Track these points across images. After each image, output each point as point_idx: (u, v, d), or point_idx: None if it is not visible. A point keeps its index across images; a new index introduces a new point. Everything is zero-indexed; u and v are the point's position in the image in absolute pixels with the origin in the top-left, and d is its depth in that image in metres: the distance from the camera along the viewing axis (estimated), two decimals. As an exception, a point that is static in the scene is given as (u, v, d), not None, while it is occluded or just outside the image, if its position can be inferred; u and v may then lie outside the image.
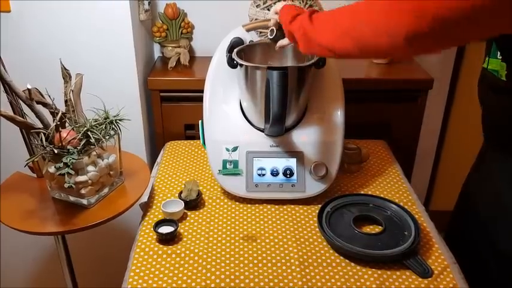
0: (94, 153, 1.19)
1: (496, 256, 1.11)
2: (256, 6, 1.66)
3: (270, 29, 1.18)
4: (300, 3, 1.65)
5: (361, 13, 0.83)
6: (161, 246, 1.12)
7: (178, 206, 1.21)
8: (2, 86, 1.17)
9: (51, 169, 1.15)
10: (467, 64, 1.93)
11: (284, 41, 1.15)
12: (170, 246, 1.12)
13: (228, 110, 1.31)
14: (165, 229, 1.15)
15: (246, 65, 1.19)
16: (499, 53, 1.01)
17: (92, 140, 1.14)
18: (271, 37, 1.17)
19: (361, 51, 0.86)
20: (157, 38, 1.71)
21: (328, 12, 0.94)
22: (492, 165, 1.13)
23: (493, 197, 1.12)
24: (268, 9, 1.65)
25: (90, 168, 1.17)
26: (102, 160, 1.22)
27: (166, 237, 1.13)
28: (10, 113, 1.16)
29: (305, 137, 1.27)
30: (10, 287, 1.94)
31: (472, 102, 1.98)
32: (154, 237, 1.15)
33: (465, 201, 1.26)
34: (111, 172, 1.24)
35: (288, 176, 1.25)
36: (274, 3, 1.65)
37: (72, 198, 1.19)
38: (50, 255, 1.86)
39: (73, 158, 1.10)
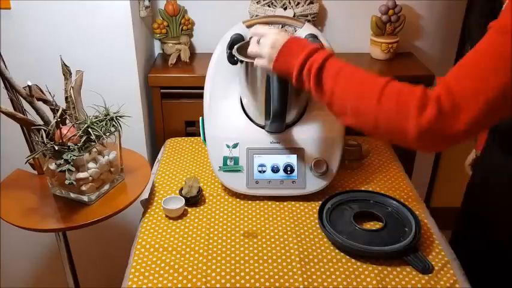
0: (94, 150, 1.19)
1: (500, 259, 1.11)
2: (257, 2, 1.66)
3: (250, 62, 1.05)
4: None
5: (390, 113, 0.81)
6: (162, 243, 1.12)
7: (179, 203, 1.21)
8: (2, 83, 1.17)
9: (52, 166, 1.16)
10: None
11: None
12: (171, 244, 1.12)
13: (229, 106, 1.31)
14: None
15: (246, 62, 1.19)
16: None
17: (93, 137, 1.14)
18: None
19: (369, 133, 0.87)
20: (158, 35, 1.71)
21: (343, 83, 0.86)
22: (502, 164, 1.10)
23: (500, 196, 1.11)
24: (269, 6, 1.65)
25: (91, 165, 1.17)
26: (103, 157, 1.22)
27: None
28: (10, 109, 1.16)
29: (306, 134, 1.27)
30: (11, 287, 1.95)
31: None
32: (155, 233, 1.15)
33: (472, 202, 1.25)
34: (111, 169, 1.24)
35: (289, 172, 1.25)
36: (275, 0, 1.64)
37: (72, 195, 1.20)
38: (51, 253, 1.86)
39: (73, 155, 1.10)
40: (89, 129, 1.14)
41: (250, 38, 1.05)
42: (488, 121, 0.78)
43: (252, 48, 1.01)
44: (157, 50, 1.84)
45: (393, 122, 0.81)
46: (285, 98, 1.12)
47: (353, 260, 1.07)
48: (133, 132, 1.60)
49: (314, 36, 1.28)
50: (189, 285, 1.01)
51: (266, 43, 0.96)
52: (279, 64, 0.94)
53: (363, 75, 0.86)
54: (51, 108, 1.19)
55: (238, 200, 1.28)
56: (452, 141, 0.79)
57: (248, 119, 1.30)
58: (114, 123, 1.19)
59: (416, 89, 0.79)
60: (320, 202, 1.22)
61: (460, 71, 0.77)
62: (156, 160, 1.50)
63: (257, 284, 1.01)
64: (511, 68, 0.71)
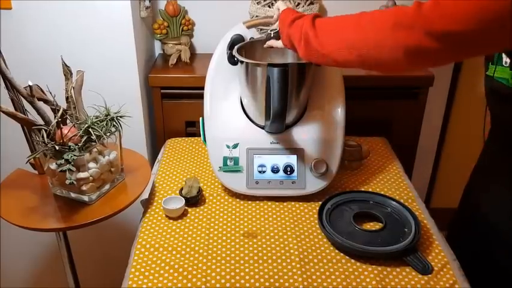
0: (95, 150, 1.20)
1: (495, 266, 1.12)
2: (257, 3, 1.66)
3: (275, 30, 1.15)
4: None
5: (367, 28, 0.84)
6: (162, 243, 1.13)
7: (179, 203, 1.21)
8: (3, 83, 1.17)
9: (53, 166, 1.16)
10: (468, 61, 1.92)
11: (277, 43, 1.13)
12: (171, 243, 1.12)
13: (229, 107, 1.31)
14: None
15: (246, 62, 1.19)
16: (503, 60, 0.98)
17: (93, 137, 1.14)
18: (272, 36, 1.15)
19: (364, 65, 0.88)
20: (158, 35, 1.71)
21: (332, 21, 0.94)
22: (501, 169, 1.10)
23: (498, 201, 1.11)
24: (269, 6, 1.65)
25: (91, 164, 1.18)
26: (103, 157, 1.22)
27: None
28: (11, 109, 1.16)
29: (306, 134, 1.27)
30: (11, 287, 1.95)
31: (473, 99, 1.99)
32: (155, 233, 1.16)
33: (468, 204, 1.26)
34: (112, 169, 1.24)
35: (289, 172, 1.26)
36: (275, 0, 1.64)
37: (73, 195, 1.20)
38: (51, 253, 1.86)
39: (74, 155, 1.10)
40: (90, 129, 1.14)
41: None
42: (471, 43, 0.74)
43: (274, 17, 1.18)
44: (157, 50, 1.84)
45: (371, 26, 0.83)
46: (285, 98, 1.12)
47: (353, 261, 1.07)
48: (134, 133, 1.60)
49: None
50: (189, 285, 1.01)
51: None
52: (284, 13, 1.08)
53: (347, 15, 0.94)
54: (52, 108, 1.19)
55: (238, 200, 1.28)
56: (431, 44, 0.75)
57: (248, 120, 1.30)
58: (114, 123, 1.19)
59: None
60: (320, 202, 1.23)
61: None
62: (156, 160, 1.50)
63: (257, 284, 1.01)
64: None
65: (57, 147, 1.11)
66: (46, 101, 1.20)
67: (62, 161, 1.10)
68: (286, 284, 1.01)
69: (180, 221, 1.20)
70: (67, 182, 1.11)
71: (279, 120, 1.17)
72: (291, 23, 1.02)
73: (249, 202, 1.27)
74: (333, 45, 0.91)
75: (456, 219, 1.29)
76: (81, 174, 1.15)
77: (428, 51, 0.76)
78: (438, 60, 0.81)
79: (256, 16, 1.66)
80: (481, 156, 1.22)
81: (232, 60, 1.23)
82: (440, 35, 0.74)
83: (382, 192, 1.28)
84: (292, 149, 1.27)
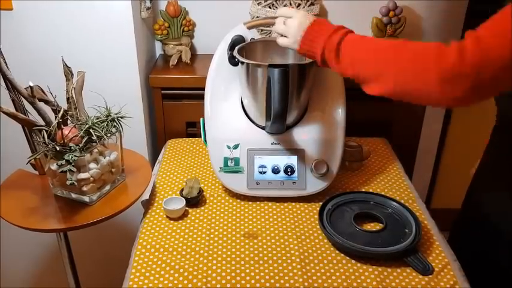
0: (96, 150, 1.20)
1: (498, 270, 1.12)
2: (258, 4, 1.66)
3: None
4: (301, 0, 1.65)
5: (407, 76, 0.83)
6: (162, 244, 1.13)
7: (179, 204, 1.21)
8: (4, 83, 1.18)
9: (53, 166, 1.16)
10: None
11: None
12: (171, 244, 1.12)
13: (229, 107, 1.32)
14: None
15: (247, 63, 1.19)
16: None
17: (94, 138, 1.14)
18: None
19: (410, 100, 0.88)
20: (159, 36, 1.71)
21: (362, 52, 0.90)
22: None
23: (500, 202, 1.11)
24: (270, 7, 1.65)
25: (92, 165, 1.18)
26: (104, 157, 1.22)
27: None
28: (12, 110, 1.16)
29: (306, 135, 1.27)
30: (11, 287, 1.95)
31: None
32: (156, 234, 1.16)
33: (470, 204, 1.25)
34: (112, 169, 1.24)
35: (289, 173, 1.26)
36: (276, 0, 1.64)
37: (74, 196, 1.20)
38: (52, 254, 1.86)
39: (75, 155, 1.10)
40: (90, 130, 1.14)
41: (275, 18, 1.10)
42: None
43: (278, 27, 1.06)
44: (158, 51, 1.84)
45: (412, 75, 0.82)
46: (285, 99, 1.12)
47: (353, 261, 1.07)
48: (134, 133, 1.60)
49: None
50: (190, 285, 1.01)
51: (293, 25, 1.01)
52: (305, 46, 1.00)
53: (380, 41, 0.91)
54: (52, 109, 1.19)
55: (238, 200, 1.28)
56: (479, 90, 0.77)
57: (249, 120, 1.30)
58: (115, 124, 1.19)
59: (432, 43, 0.82)
60: (320, 203, 1.23)
61: (493, 23, 0.76)
62: (157, 161, 1.50)
63: (257, 285, 1.01)
64: None
65: (58, 148, 1.11)
66: (47, 102, 1.20)
67: (63, 162, 1.10)
68: (287, 285, 1.01)
69: (180, 221, 1.20)
70: (68, 182, 1.11)
71: (279, 121, 1.17)
72: (321, 58, 0.97)
73: (250, 203, 1.27)
74: (377, 87, 0.88)
75: (458, 220, 1.29)
76: (82, 175, 1.15)
77: (475, 98, 0.79)
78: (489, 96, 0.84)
79: (257, 17, 1.66)
80: (484, 156, 1.21)
81: (233, 61, 1.23)
82: (488, 82, 0.76)
83: (382, 193, 1.28)
84: (293, 149, 1.27)
